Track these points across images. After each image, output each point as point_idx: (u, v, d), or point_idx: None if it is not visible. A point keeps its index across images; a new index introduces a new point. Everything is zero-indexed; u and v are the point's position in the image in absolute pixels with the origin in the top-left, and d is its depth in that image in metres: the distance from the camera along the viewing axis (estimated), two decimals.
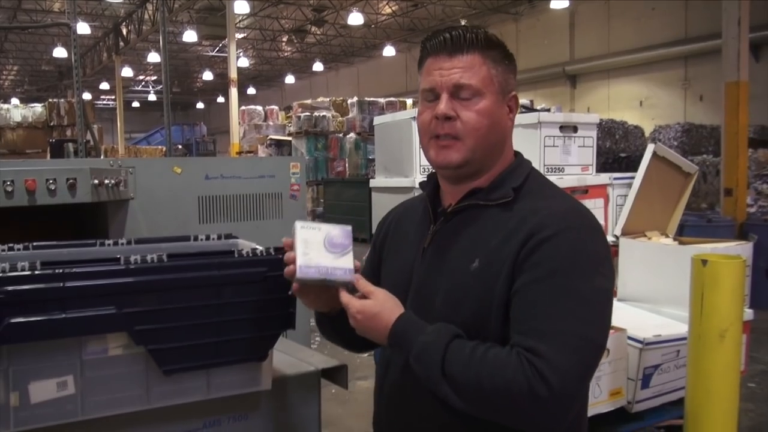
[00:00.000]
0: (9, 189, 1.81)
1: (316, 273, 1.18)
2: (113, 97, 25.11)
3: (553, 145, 2.61)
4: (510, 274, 1.15)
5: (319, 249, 1.20)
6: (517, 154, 1.33)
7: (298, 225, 1.22)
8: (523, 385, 1.04)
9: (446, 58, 1.23)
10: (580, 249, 1.14)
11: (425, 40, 1.28)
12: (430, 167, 1.36)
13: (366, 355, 1.24)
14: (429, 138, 1.26)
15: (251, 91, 31.89)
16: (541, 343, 1.06)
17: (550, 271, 1.11)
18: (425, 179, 1.39)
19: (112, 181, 2.04)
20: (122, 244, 1.47)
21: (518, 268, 1.14)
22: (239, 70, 16.83)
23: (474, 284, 1.19)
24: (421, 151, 1.38)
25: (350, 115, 15.19)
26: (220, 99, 31.53)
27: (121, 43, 20.53)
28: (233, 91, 14.84)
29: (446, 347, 1.12)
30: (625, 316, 2.28)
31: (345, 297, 1.20)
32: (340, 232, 1.23)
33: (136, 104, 34.65)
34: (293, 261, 1.19)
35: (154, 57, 22.33)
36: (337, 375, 1.52)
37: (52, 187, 1.86)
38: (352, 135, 14.51)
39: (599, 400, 1.94)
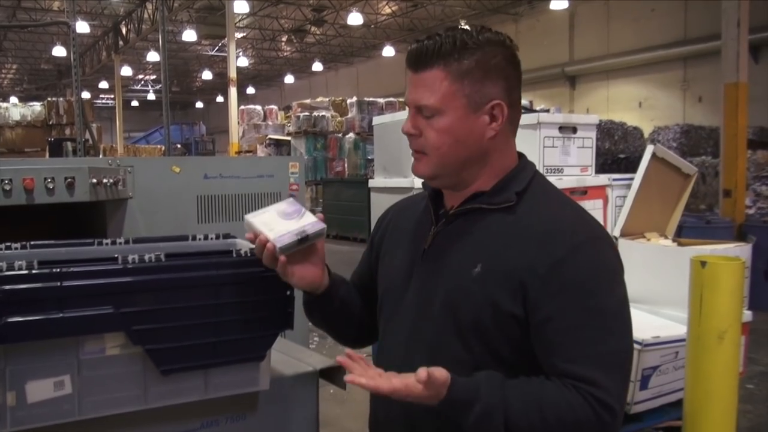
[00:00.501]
0: (7, 188, 1.80)
1: (293, 236, 1.22)
2: (112, 96, 25.06)
3: (552, 146, 2.60)
4: (520, 288, 1.15)
5: (279, 222, 1.25)
6: (521, 156, 1.32)
7: (249, 216, 1.28)
8: (591, 417, 1.09)
9: (413, 74, 1.23)
10: (598, 265, 1.17)
11: None
12: None
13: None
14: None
15: (250, 90, 31.86)
16: (593, 371, 1.10)
17: (577, 294, 1.14)
18: None
19: (111, 180, 2.03)
20: (120, 243, 1.46)
21: (538, 291, 1.14)
22: (239, 69, 16.82)
23: (475, 289, 1.18)
24: None
25: (349, 115, 15.19)
26: (220, 98, 31.47)
27: (121, 42, 20.51)
28: (232, 91, 14.83)
29: (505, 405, 1.09)
30: None
31: (397, 383, 1.10)
32: (286, 204, 1.30)
33: (135, 103, 34.60)
34: (266, 242, 1.21)
35: (153, 56, 22.32)
36: (335, 375, 1.52)
37: (51, 185, 1.86)
38: (351, 135, 14.51)
39: None
